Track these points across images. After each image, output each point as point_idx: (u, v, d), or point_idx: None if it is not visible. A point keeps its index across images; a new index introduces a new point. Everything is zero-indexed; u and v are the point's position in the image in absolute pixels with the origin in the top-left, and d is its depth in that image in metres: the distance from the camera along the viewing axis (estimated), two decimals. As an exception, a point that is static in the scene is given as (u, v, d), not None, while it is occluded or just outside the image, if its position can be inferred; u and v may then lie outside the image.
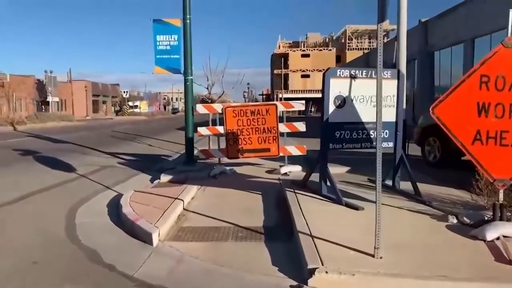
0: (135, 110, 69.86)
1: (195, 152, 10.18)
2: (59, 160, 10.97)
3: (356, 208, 5.33)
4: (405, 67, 7.30)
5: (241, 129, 8.73)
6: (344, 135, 6.04)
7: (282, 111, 9.03)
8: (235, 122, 8.74)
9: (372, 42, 65.95)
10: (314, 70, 66.63)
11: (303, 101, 9.15)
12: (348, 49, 66.95)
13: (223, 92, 12.00)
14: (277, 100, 9.50)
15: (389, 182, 6.82)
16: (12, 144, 15.77)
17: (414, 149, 9.81)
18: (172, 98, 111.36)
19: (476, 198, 5.21)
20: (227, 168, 9.13)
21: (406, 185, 6.42)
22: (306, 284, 3.44)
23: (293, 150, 8.98)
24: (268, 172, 9.06)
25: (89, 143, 15.59)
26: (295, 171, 8.95)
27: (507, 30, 4.33)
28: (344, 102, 5.98)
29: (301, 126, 8.93)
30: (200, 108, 8.94)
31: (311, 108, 58.01)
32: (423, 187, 6.31)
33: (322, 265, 3.53)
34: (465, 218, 4.76)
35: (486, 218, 4.57)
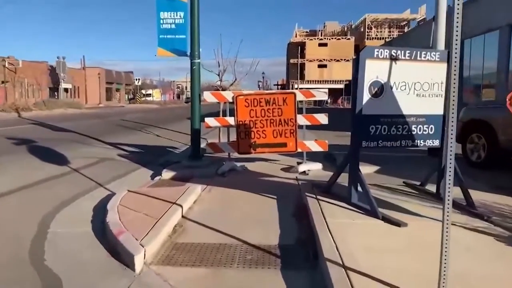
0: (148, 98, 69.20)
1: (202, 145, 9.14)
2: (54, 151, 10.03)
3: (397, 224, 4.20)
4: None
5: (254, 120, 7.64)
6: (381, 130, 4.90)
7: (302, 101, 7.89)
8: (248, 112, 7.64)
9: (393, 31, 63.90)
10: (331, 60, 64.90)
11: (326, 89, 8.01)
12: (367, 38, 64.96)
13: (235, 80, 10.82)
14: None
15: (429, 187, 5.67)
16: (9, 132, 14.90)
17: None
18: (186, 87, 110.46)
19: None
20: (238, 164, 8.07)
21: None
22: None
23: (313, 145, 7.86)
24: (284, 170, 7.97)
25: (93, 132, 14.65)
26: (315, 169, 7.84)
27: None
28: (381, 90, 4.83)
29: (322, 118, 7.78)
30: (208, 96, 7.85)
31: (328, 99, 56.48)
32: (472, 195, 5.15)
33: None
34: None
35: None
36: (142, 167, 8.64)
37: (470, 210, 4.73)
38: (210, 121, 7.86)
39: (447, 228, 2.61)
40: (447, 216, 2.61)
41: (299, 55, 65.99)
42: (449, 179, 2.59)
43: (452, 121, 2.64)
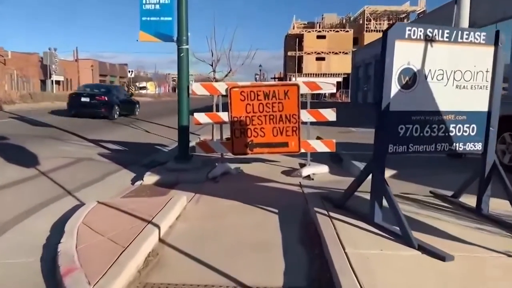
0: (142, 91, 67.83)
1: (193, 143, 8.09)
2: (26, 149, 8.92)
3: (441, 257, 3.17)
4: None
5: (251, 116, 6.60)
6: (412, 131, 3.86)
7: (303, 95, 6.84)
8: (244, 107, 6.60)
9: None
10: (329, 52, 63.60)
11: (334, 81, 6.96)
12: (366, 30, 63.64)
13: (230, 70, 9.72)
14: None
15: (464, 199, 4.66)
16: None
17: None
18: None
19: None
20: (232, 166, 7.02)
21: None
22: None
23: (319, 145, 6.82)
24: (285, 173, 6.93)
25: (75, 128, 13.51)
26: (321, 173, 6.81)
27: None
28: (414, 80, 3.79)
29: (330, 115, 6.74)
30: (197, 88, 6.78)
31: (325, 93, 55.29)
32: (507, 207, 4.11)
33: None
34: None
35: None
36: (123, 169, 7.58)
37: (526, 234, 3.71)
38: (200, 117, 6.80)
39: None
40: None
41: (297, 48, 64.74)
42: None
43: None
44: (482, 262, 3.14)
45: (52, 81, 47.51)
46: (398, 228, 3.57)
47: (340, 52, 62.85)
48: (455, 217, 4.20)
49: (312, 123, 6.80)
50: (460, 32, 3.89)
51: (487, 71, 4.03)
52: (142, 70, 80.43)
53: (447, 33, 3.84)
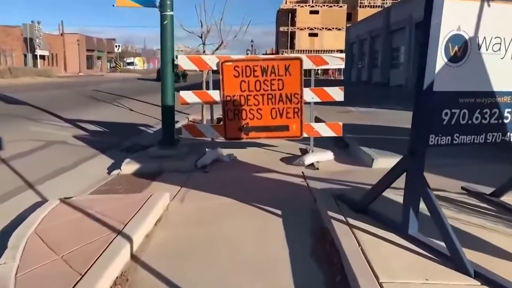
0: (130, 67, 66.02)
1: (180, 124, 7.18)
2: (-11, 131, 7.93)
3: (511, 292, 2.34)
4: None
5: (247, 95, 5.69)
6: (459, 117, 2.97)
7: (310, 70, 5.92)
8: (238, 84, 5.68)
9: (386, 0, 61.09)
10: (322, 28, 61.92)
11: (342, 55, 6.02)
12: (360, 6, 61.95)
13: (221, 43, 8.69)
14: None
15: (510, 200, 3.84)
16: None
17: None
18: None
19: None
20: (224, 153, 6.14)
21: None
22: None
23: (324, 129, 5.95)
24: (286, 161, 6.06)
25: (53, 106, 12.40)
26: (325, 160, 5.96)
27: None
28: (464, 51, 2.88)
29: (337, 94, 5.84)
30: (184, 61, 5.82)
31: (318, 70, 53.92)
32: None
33: None
34: None
35: None
36: (100, 154, 6.68)
37: None
38: (187, 96, 5.86)
39: None
40: None
41: (289, 23, 63.07)
42: None
43: None
44: None
45: (36, 55, 45.73)
46: (442, 245, 2.73)
47: (333, 28, 61.33)
48: (503, 223, 3.37)
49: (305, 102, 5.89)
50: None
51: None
52: (130, 45, 78.38)
53: (508, -12, 2.92)
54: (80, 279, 2.51)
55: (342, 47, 49.75)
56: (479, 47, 2.92)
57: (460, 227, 3.23)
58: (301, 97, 5.72)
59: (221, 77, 5.68)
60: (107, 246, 2.95)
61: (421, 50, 2.83)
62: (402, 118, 10.59)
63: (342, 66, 5.88)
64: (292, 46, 62.65)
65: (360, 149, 6.24)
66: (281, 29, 65.65)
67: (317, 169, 5.60)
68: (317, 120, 6.44)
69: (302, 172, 5.41)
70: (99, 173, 5.54)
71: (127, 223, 3.38)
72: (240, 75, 5.67)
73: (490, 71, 2.97)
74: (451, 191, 4.23)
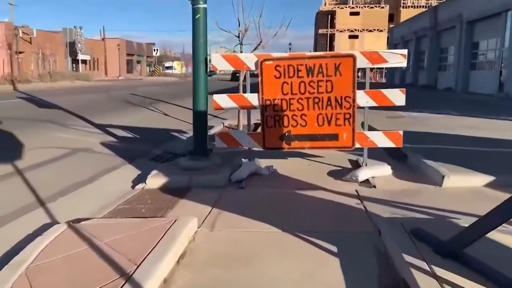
0: (169, 71, 66.69)
1: (214, 130, 6.46)
2: (13, 137, 7.47)
3: None
4: None
5: (289, 99, 4.90)
6: None
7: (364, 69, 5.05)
8: (279, 86, 4.89)
9: (431, -1, 58.65)
10: (363, 30, 60.22)
11: (405, 51, 5.10)
12: (403, 6, 59.88)
13: (260, 42, 7.96)
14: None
15: None
16: None
17: None
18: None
19: None
20: (262, 164, 5.36)
21: None
22: None
23: (380, 139, 5.06)
24: (334, 175, 5.19)
25: (84, 110, 11.98)
26: (382, 176, 5.05)
27: None
28: None
29: (397, 97, 4.94)
30: (218, 61, 5.08)
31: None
32: None
33: None
34: None
35: None
36: (127, 164, 6.06)
37: None
38: (221, 100, 5.12)
39: None
40: None
41: (328, 25, 61.82)
42: None
43: None
44: None
45: (78, 60, 46.77)
46: None
47: (374, 30, 59.58)
48: None
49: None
50: None
51: None
52: (169, 50, 79.37)
53: None
54: None
55: (384, 48, 48.11)
56: None
57: None
58: (354, 101, 4.86)
59: (260, 79, 4.92)
60: (110, 300, 2.21)
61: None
62: (463, 125, 9.48)
63: (404, 64, 4.96)
64: (331, 49, 61.35)
65: (423, 162, 5.28)
66: (320, 31, 64.48)
67: (374, 187, 4.70)
68: (370, 127, 5.56)
69: (356, 191, 4.53)
70: (122, 187, 4.88)
71: (141, 262, 2.65)
72: (282, 76, 4.88)
73: None
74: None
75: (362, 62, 4.88)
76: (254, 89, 5.01)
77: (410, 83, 33.82)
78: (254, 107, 5.06)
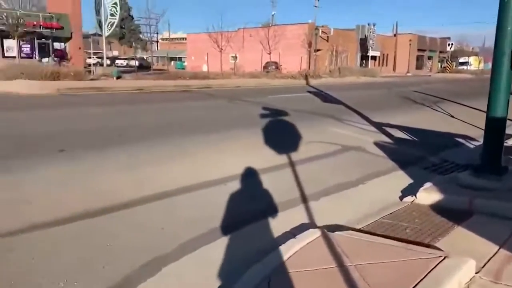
0: (463, 67, 60.73)
1: (509, 143, 5.13)
2: (291, 129, 7.89)
3: None
4: None
5: None
6: None
7: None
8: None
9: None
10: None
11: None
12: None
13: None
14: None
15: None
16: (279, 100, 13.61)
17: None
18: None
19: None
20: None
21: None
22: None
23: None
24: None
25: (363, 106, 11.71)
26: None
27: None
28: None
29: None
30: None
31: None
32: None
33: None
34: None
35: None
36: (397, 170, 5.50)
37: None
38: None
39: None
40: None
41: None
42: None
43: None
44: None
45: (368, 56, 48.14)
46: None
47: None
48: None
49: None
50: None
51: None
52: (465, 44, 72.37)
53: None
54: None
55: None
56: None
57: None
58: None
59: None
60: None
61: None
62: None
63: None
64: None
65: None
66: None
67: None
68: None
69: None
70: (388, 197, 4.37)
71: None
72: None
73: None
74: None
75: None
76: None
77: None
78: None
